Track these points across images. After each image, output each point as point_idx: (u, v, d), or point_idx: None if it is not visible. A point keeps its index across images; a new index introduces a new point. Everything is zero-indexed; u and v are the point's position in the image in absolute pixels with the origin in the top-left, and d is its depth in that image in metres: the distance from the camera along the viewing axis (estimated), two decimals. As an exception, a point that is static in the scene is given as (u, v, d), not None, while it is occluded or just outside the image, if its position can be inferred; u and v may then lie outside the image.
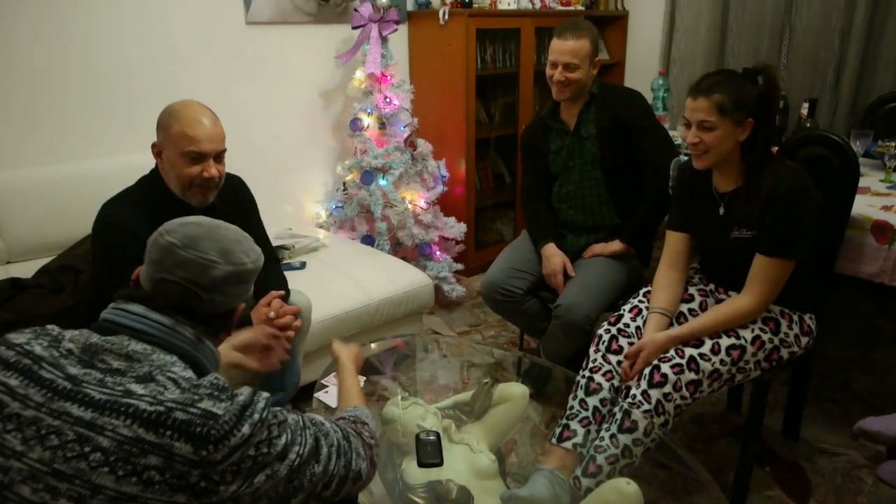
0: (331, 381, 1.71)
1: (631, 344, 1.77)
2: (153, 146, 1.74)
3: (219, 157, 1.74)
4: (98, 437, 0.86)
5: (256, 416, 0.93)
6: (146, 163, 1.80)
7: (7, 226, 2.31)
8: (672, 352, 1.68)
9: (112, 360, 0.93)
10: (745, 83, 1.66)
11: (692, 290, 1.91)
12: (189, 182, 1.71)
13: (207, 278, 1.02)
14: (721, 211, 1.78)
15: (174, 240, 1.02)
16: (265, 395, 0.98)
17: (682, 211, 1.90)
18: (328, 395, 1.59)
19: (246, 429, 0.91)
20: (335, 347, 1.48)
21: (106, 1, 2.52)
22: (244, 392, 0.95)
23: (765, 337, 1.73)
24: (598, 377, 1.76)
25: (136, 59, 2.65)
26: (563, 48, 2.15)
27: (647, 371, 1.67)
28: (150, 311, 0.99)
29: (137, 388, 0.90)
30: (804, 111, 2.78)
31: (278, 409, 0.99)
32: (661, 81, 3.33)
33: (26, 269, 2.22)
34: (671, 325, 1.80)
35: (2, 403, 0.89)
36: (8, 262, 2.36)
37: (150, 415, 0.87)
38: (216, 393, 0.92)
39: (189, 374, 0.97)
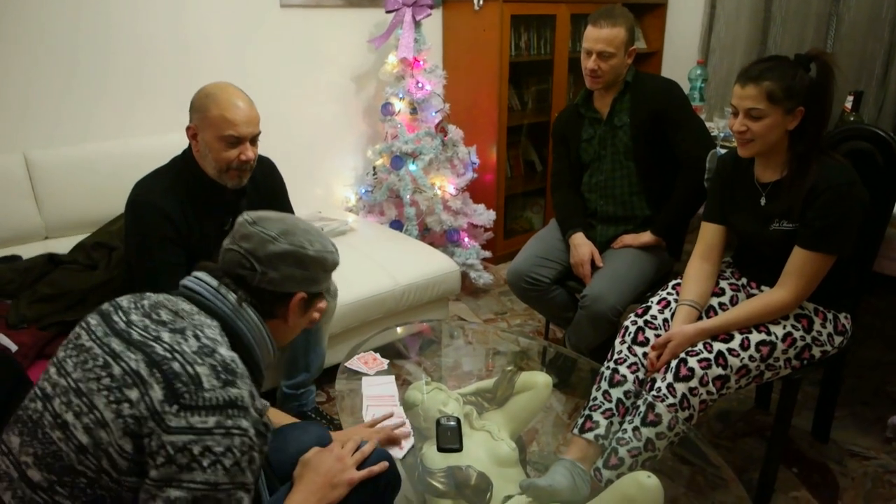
0: (355, 363, 1.72)
1: (658, 336, 1.74)
2: (188, 129, 1.75)
3: (254, 140, 1.76)
4: (115, 364, 0.96)
5: (229, 423, 0.93)
6: (180, 142, 1.82)
7: (46, 202, 2.37)
8: (700, 346, 1.65)
9: (164, 314, 1.04)
10: (797, 70, 1.60)
11: (723, 283, 1.87)
12: (227, 165, 1.72)
13: (264, 251, 1.09)
14: (763, 202, 1.73)
15: (248, 217, 1.13)
16: (259, 432, 0.97)
17: (719, 202, 1.86)
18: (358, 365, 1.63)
19: (212, 421, 0.92)
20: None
21: (144, -18, 2.55)
22: (247, 398, 0.96)
23: (796, 334, 1.69)
24: (622, 369, 1.74)
25: (171, 40, 2.68)
26: (598, 36, 2.11)
27: (673, 364, 1.64)
28: (206, 275, 1.11)
29: (166, 336, 0.99)
30: (848, 104, 2.69)
31: (256, 461, 0.96)
32: (698, 71, 3.25)
33: (63, 245, 2.28)
34: (700, 318, 1.77)
35: (79, 336, 1.04)
36: (46, 238, 2.43)
37: (156, 356, 0.95)
38: (220, 370, 0.96)
39: (219, 338, 1.03)
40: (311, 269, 1.13)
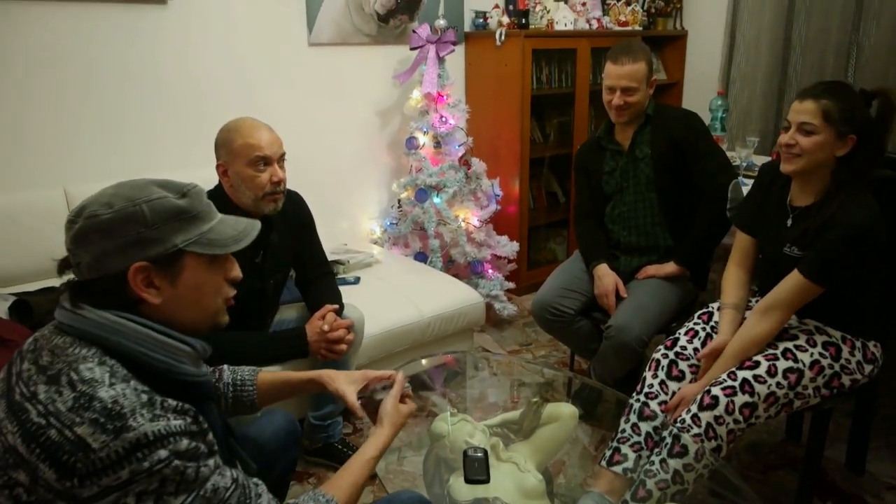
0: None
1: (690, 367, 1.75)
2: (217, 167, 1.81)
3: (281, 161, 1.83)
4: None
5: (146, 465, 0.81)
6: (212, 177, 1.88)
7: (83, 237, 2.45)
8: (724, 375, 1.65)
9: (44, 356, 0.89)
10: (858, 100, 1.62)
11: (747, 313, 1.86)
12: (262, 191, 1.79)
13: (68, 240, 0.94)
14: (789, 223, 1.73)
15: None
16: (185, 444, 0.85)
17: (750, 212, 1.88)
18: None
19: (125, 473, 0.80)
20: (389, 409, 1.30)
21: (176, 24, 2.66)
22: (149, 429, 0.82)
23: (824, 362, 1.67)
24: (653, 404, 1.74)
25: (205, 79, 2.78)
26: (621, 73, 2.15)
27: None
28: (63, 296, 0.94)
29: (41, 392, 0.85)
30: (872, 132, 2.69)
31: (198, 465, 0.86)
32: (719, 102, 3.27)
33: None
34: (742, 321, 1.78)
35: None
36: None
37: (30, 426, 0.82)
38: (103, 420, 0.81)
39: (98, 372, 0.86)
40: (122, 233, 0.91)
